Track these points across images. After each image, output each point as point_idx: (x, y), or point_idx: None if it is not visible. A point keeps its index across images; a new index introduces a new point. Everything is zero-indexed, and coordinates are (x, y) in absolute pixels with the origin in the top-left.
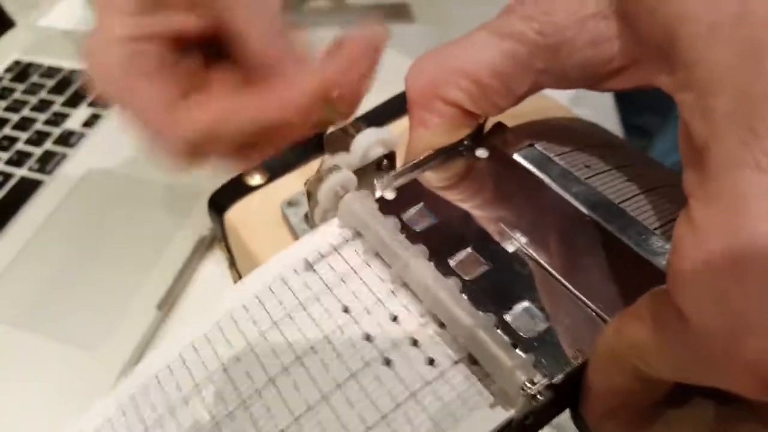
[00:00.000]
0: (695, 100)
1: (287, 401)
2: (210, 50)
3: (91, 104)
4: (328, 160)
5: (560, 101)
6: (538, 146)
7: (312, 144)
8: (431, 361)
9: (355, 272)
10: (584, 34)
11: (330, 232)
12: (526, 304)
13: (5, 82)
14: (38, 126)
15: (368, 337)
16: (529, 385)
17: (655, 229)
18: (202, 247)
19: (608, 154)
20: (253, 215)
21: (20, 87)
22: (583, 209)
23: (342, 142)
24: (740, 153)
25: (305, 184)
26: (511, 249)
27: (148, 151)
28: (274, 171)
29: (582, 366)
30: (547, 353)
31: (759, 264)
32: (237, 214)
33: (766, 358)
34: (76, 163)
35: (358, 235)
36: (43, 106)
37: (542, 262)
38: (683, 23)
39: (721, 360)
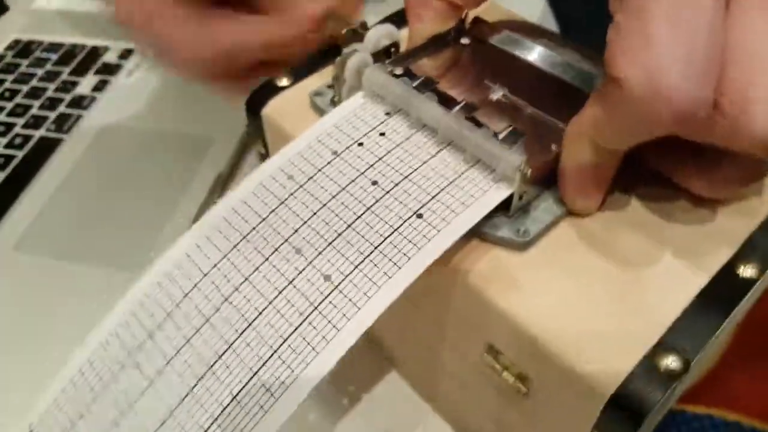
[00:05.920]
0: None
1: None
2: None
3: (98, 72)
4: (346, 50)
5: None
6: (508, 33)
7: (329, 51)
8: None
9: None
10: None
11: (354, 101)
12: (512, 127)
13: (8, 59)
14: (49, 93)
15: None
16: (524, 166)
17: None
18: (219, 185)
19: (556, 38)
20: (287, 108)
21: (24, 62)
22: (546, 69)
23: (356, 38)
24: None
25: (334, 65)
26: (495, 98)
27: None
28: (298, 74)
29: (558, 154)
30: (532, 149)
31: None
32: (272, 109)
33: (680, 96)
34: (91, 122)
35: (379, 98)
36: (50, 76)
37: (519, 101)
38: None
39: (646, 104)
